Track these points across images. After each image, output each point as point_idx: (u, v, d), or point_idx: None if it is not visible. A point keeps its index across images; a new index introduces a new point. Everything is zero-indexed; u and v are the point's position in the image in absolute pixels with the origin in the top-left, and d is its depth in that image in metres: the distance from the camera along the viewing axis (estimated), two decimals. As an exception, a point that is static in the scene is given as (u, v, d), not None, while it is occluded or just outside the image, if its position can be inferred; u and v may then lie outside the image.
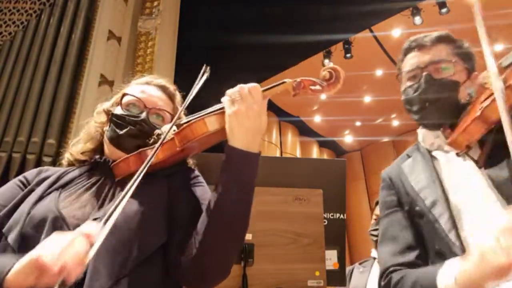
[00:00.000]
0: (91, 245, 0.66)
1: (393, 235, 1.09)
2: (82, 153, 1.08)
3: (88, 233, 0.67)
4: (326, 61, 6.49)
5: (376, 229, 2.13)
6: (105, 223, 0.69)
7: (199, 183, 1.03)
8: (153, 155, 0.84)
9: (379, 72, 7.03)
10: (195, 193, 0.99)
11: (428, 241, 1.03)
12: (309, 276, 1.17)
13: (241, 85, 0.88)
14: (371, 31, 6.20)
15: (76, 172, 1.02)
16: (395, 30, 6.18)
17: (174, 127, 0.95)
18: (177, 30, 4.92)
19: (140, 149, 0.94)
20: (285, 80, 0.90)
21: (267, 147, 7.66)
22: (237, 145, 0.85)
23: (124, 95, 1.09)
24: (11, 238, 0.84)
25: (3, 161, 3.62)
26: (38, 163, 3.60)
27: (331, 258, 1.37)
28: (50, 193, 0.93)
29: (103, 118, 1.11)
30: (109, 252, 0.81)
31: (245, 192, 0.85)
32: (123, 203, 0.73)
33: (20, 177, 1.02)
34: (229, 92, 0.89)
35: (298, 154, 8.35)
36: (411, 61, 1.16)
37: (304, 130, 8.59)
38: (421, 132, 1.16)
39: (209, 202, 0.86)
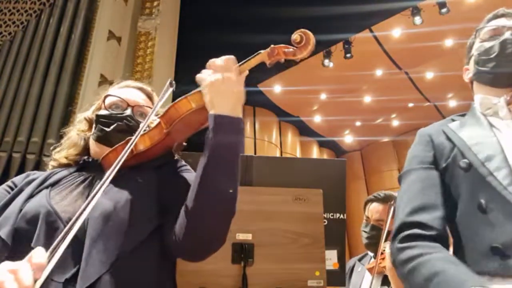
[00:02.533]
0: (39, 272, 0.59)
1: (415, 192, 1.03)
2: (66, 158, 1.09)
3: (35, 262, 0.60)
4: (326, 61, 6.49)
5: (365, 232, 2.07)
6: (87, 204, 0.72)
7: (188, 170, 1.06)
8: (138, 134, 0.88)
9: (379, 72, 7.03)
10: (184, 177, 1.01)
11: (468, 194, 0.98)
12: (309, 276, 1.17)
13: (212, 59, 0.91)
14: (371, 31, 6.20)
15: (64, 172, 1.03)
16: (395, 30, 6.18)
17: (157, 118, 0.99)
18: (177, 30, 4.92)
19: (128, 138, 0.94)
20: (260, 51, 0.94)
21: (267, 147, 7.66)
22: (219, 112, 0.86)
23: (106, 97, 1.12)
24: (4, 232, 0.85)
25: (3, 161, 3.62)
26: (38, 163, 3.60)
27: (331, 258, 1.37)
28: (40, 191, 0.95)
29: (85, 126, 1.14)
30: (103, 239, 0.83)
31: (232, 156, 0.85)
32: (106, 184, 0.75)
33: (9, 182, 1.03)
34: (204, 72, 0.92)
35: (298, 154, 8.34)
36: (495, 23, 1.15)
37: (304, 130, 8.59)
38: (479, 97, 1.12)
39: (197, 171, 0.86)
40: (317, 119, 8.32)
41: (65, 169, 1.05)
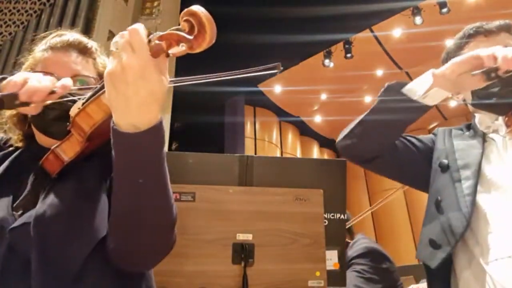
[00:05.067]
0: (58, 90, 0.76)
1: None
2: (16, 143, 0.96)
3: (62, 83, 0.77)
4: (327, 61, 6.49)
5: None
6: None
7: None
8: (62, 141, 0.82)
9: (379, 72, 7.03)
10: None
11: (436, 189, 1.13)
12: (309, 276, 1.17)
13: (124, 31, 0.62)
14: (372, 31, 6.20)
15: (20, 162, 0.91)
16: (395, 30, 6.18)
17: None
18: (177, 30, 4.92)
19: (52, 148, 0.83)
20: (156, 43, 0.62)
21: (267, 147, 7.66)
22: (117, 122, 0.63)
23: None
24: None
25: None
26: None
27: (331, 258, 1.37)
28: (2, 183, 0.85)
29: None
30: (49, 256, 0.74)
31: (141, 176, 0.66)
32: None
33: None
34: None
35: (298, 154, 8.35)
36: (482, 46, 1.15)
37: (304, 130, 8.59)
38: (478, 116, 1.20)
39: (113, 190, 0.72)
40: (318, 119, 8.32)
41: (22, 153, 0.93)
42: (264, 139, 7.68)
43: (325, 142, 9.03)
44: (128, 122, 0.62)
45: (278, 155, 7.65)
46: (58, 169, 0.84)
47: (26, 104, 0.75)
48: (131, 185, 0.67)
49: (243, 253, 1.15)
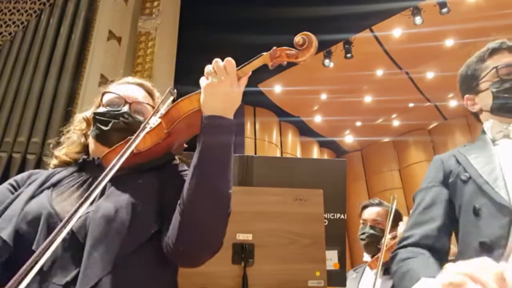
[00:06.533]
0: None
1: (419, 210, 1.18)
2: (66, 155, 1.09)
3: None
4: (327, 61, 6.48)
5: (364, 233, 2.22)
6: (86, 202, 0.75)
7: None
8: (137, 135, 0.88)
9: (379, 72, 7.02)
10: (184, 180, 0.98)
11: (467, 202, 1.11)
12: (309, 277, 1.17)
13: (216, 59, 0.92)
14: (372, 31, 6.19)
15: (64, 172, 1.02)
16: (395, 30, 6.17)
17: (157, 118, 0.99)
18: (177, 30, 4.92)
19: (128, 137, 0.94)
20: (262, 53, 0.95)
21: (267, 147, 7.66)
22: (211, 113, 0.88)
23: (104, 94, 1.10)
24: (5, 233, 0.84)
25: (3, 161, 3.62)
26: (39, 163, 3.60)
27: (331, 258, 1.37)
28: (42, 191, 0.94)
29: (84, 125, 1.12)
30: (104, 242, 0.82)
31: (222, 156, 0.87)
32: (104, 182, 0.76)
33: (11, 180, 1.02)
34: (205, 68, 0.94)
35: (298, 154, 8.34)
36: (505, 59, 1.25)
37: (304, 130, 8.59)
38: (491, 121, 1.23)
39: (189, 171, 0.87)
40: (318, 119, 8.32)
41: (66, 168, 1.05)
42: (264, 139, 7.67)
43: (325, 142, 9.03)
44: (217, 112, 0.88)
45: (278, 155, 7.65)
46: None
47: None
48: (216, 163, 0.86)
49: (243, 253, 1.15)
